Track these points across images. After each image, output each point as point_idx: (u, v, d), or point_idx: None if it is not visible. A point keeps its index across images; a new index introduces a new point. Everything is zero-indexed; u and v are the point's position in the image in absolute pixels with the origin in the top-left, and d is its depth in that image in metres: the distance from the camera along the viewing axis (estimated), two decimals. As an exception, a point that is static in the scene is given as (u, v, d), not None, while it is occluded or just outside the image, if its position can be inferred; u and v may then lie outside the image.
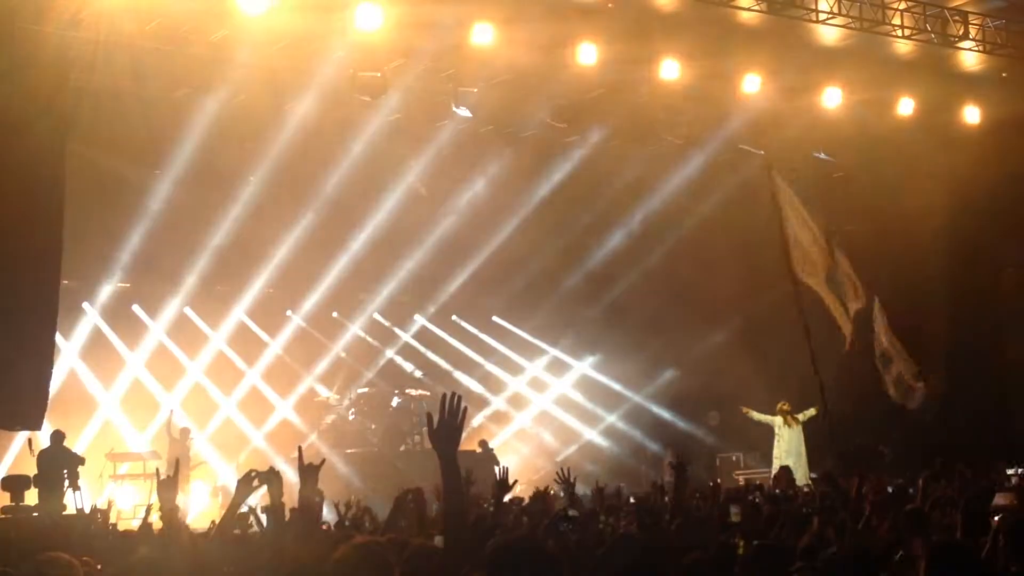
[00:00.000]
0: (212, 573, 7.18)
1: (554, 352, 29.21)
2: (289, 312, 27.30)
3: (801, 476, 20.43)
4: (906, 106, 23.25)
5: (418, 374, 28.41)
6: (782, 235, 16.51)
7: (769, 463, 22.65)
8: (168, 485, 7.25)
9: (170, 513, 7.23)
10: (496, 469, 22.87)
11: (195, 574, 7.03)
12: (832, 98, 22.58)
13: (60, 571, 6.18)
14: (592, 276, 27.79)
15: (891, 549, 7.68)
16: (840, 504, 10.10)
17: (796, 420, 21.60)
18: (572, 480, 9.87)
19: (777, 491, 15.42)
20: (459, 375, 28.88)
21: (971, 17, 21.56)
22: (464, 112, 21.80)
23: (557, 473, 9.82)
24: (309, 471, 6.66)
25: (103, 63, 18.77)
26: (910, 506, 9.11)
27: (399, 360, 28.63)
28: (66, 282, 20.06)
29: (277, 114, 21.38)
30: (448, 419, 5.68)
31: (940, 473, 13.57)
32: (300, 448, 6.52)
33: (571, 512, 9.59)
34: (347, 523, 11.50)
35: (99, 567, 8.13)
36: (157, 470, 7.90)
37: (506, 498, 9.82)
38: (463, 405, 5.72)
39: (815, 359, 14.88)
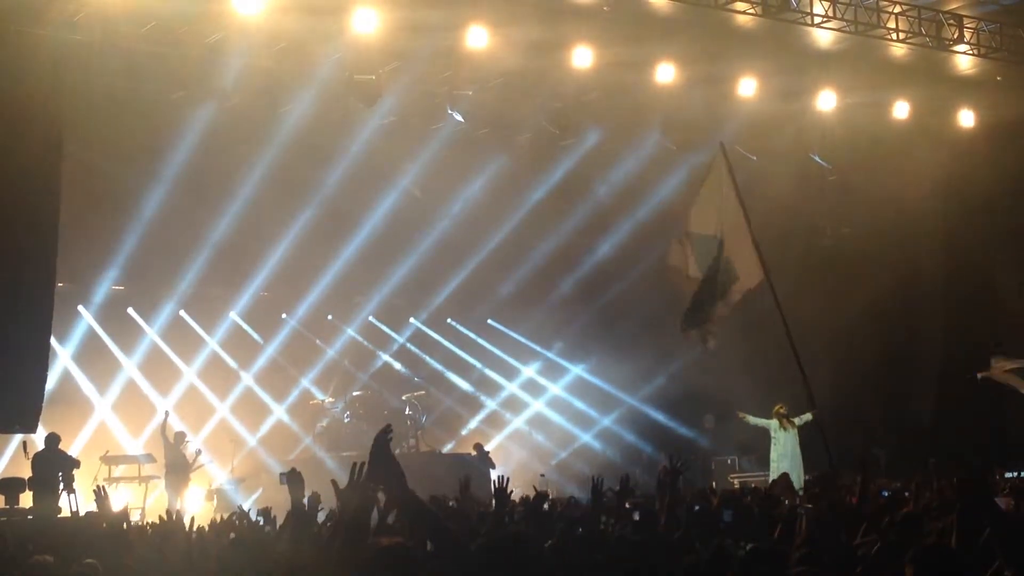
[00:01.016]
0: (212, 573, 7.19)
1: (549, 355, 29.20)
2: (284, 315, 27.29)
3: (796, 479, 20.42)
4: (901, 109, 23.29)
5: (403, 370, 28.39)
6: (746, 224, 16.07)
7: (764, 466, 22.66)
8: (103, 499, 7.94)
9: (116, 520, 7.69)
10: (492, 474, 22.93)
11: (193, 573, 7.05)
12: (827, 101, 22.63)
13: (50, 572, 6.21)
14: (587, 279, 27.80)
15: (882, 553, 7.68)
16: (834, 506, 10.12)
17: (792, 423, 21.58)
18: (605, 488, 9.55)
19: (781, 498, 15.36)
20: (454, 378, 28.90)
21: (966, 21, 21.61)
22: (457, 117, 21.82)
23: (593, 479, 9.45)
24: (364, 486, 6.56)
25: (99, 65, 18.80)
26: (904, 510, 9.11)
27: (394, 363, 28.63)
28: (61, 284, 20.09)
29: (273, 116, 21.39)
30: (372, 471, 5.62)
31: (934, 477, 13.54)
32: (355, 465, 6.40)
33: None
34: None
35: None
36: (100, 489, 8.08)
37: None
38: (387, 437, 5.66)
39: (799, 358, 14.80)
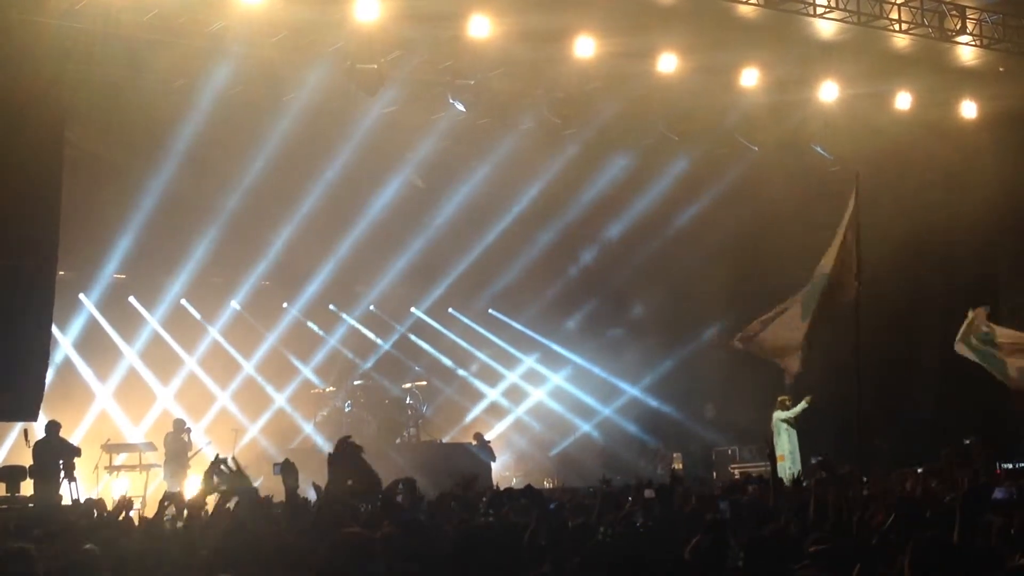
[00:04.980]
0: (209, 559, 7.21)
1: (550, 345, 29.21)
2: (285, 304, 27.31)
3: (794, 469, 20.45)
4: (903, 100, 23.23)
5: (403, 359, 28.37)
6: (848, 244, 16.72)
7: (765, 456, 22.65)
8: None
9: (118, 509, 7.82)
10: (493, 465, 22.96)
11: (190, 560, 7.07)
12: (829, 92, 22.57)
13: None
14: (588, 269, 27.79)
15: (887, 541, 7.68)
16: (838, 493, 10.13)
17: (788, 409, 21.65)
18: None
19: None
20: (455, 367, 28.92)
21: (968, 12, 21.55)
22: (459, 107, 21.78)
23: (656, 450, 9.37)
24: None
25: (101, 54, 18.79)
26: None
27: (395, 352, 28.65)
28: (62, 273, 20.10)
29: (274, 105, 21.36)
30: None
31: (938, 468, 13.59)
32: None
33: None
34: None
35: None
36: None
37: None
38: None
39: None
